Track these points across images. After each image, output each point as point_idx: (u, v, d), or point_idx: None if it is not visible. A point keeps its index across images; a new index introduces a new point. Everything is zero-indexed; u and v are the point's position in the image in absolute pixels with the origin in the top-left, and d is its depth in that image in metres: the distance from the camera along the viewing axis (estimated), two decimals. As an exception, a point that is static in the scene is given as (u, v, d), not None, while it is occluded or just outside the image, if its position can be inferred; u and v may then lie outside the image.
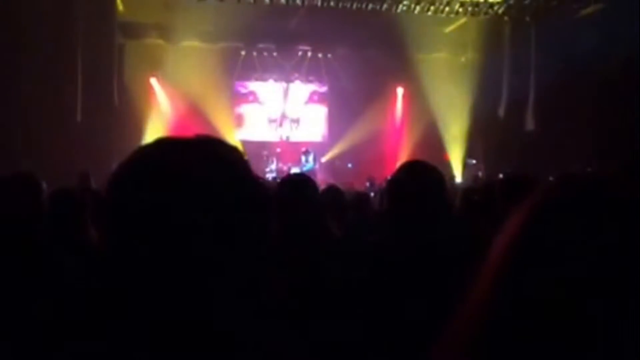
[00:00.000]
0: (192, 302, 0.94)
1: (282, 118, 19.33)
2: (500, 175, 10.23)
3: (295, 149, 18.02)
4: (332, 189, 4.61)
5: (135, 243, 0.94)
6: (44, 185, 3.31)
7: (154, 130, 15.99)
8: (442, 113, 17.59)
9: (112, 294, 0.98)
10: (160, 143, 1.04)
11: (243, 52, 18.07)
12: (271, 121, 19.27)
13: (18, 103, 13.12)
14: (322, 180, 13.82)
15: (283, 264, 2.50)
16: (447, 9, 14.56)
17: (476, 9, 14.73)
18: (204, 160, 0.99)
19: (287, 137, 19.16)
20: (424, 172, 2.70)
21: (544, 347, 0.81)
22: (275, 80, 19.14)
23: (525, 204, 0.91)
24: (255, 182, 1.04)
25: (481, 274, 0.91)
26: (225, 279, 0.96)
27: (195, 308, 0.94)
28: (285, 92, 19.34)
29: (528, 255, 0.86)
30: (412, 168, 2.77)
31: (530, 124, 15.33)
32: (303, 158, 17.28)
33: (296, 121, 19.43)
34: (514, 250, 0.88)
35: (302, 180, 3.20)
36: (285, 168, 17.07)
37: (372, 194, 10.20)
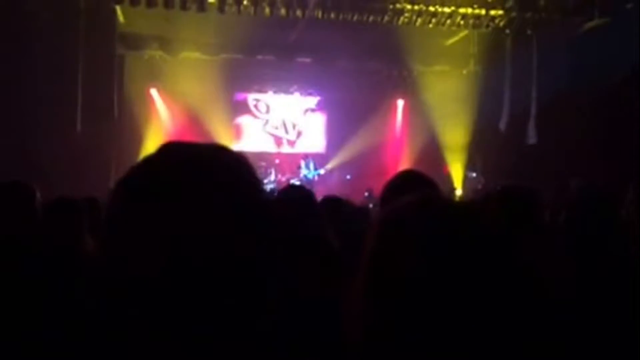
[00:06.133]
0: (193, 312, 0.90)
1: (280, 130, 19.36)
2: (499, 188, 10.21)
3: (294, 161, 18.05)
4: (330, 199, 4.57)
5: (138, 253, 0.90)
6: (38, 193, 3.29)
7: (153, 141, 16.04)
8: (443, 125, 17.61)
9: (109, 304, 0.94)
10: (166, 151, 1.00)
11: (243, 64, 18.11)
12: (270, 133, 19.30)
13: (18, 113, 13.14)
14: (320, 191, 13.81)
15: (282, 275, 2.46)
16: (448, 21, 14.57)
17: (478, 21, 14.74)
18: (210, 164, 0.96)
19: (286, 149, 19.19)
20: (417, 181, 2.66)
21: None
22: (275, 92, 19.18)
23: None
24: (262, 193, 1.01)
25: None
26: (226, 291, 0.91)
27: (196, 319, 0.90)
28: (285, 104, 19.36)
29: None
30: (405, 177, 2.74)
31: (531, 138, 15.31)
32: (302, 164, 17.30)
33: (295, 132, 19.46)
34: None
35: (301, 192, 3.18)
36: (283, 179, 17.10)
37: (370, 205, 10.21)
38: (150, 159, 0.99)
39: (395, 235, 0.99)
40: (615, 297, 2.58)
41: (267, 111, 19.28)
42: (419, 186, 2.62)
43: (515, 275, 0.97)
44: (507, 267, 0.97)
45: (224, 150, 1.02)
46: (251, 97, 19.15)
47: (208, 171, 0.95)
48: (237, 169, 0.99)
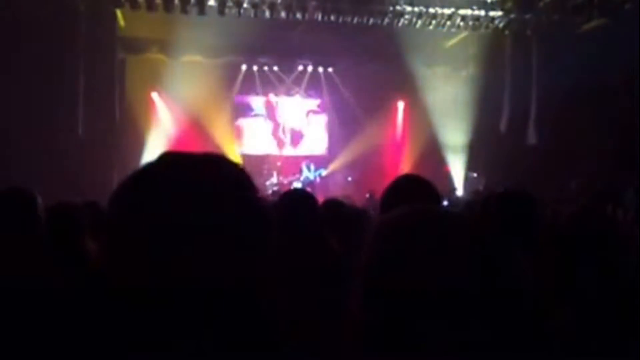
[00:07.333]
0: (195, 318, 0.92)
1: (282, 132, 19.35)
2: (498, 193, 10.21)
3: (295, 163, 18.02)
4: (332, 202, 4.55)
5: (136, 259, 0.92)
6: (39, 199, 3.28)
7: (154, 144, 16.04)
8: (443, 126, 17.61)
9: (112, 309, 0.96)
10: (165, 159, 1.02)
11: (244, 67, 18.11)
12: (271, 135, 19.28)
13: (20, 116, 13.16)
14: (322, 194, 13.81)
15: (282, 281, 2.47)
16: (448, 23, 14.58)
17: (477, 23, 14.75)
18: (209, 176, 0.98)
19: (287, 151, 19.17)
20: (416, 185, 2.67)
21: None
22: (276, 94, 19.14)
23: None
24: (258, 200, 1.03)
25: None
26: (226, 299, 0.93)
27: (198, 324, 0.92)
28: (286, 106, 19.35)
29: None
30: (404, 181, 2.75)
31: (531, 138, 15.33)
32: (304, 167, 17.28)
33: (296, 135, 19.44)
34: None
35: (302, 196, 3.18)
36: (285, 182, 17.06)
37: (371, 209, 10.19)
38: (148, 170, 1.00)
39: (393, 245, 1.00)
40: (615, 298, 2.58)
41: (268, 114, 19.27)
42: (417, 190, 2.63)
43: (510, 281, 0.98)
44: (501, 274, 0.98)
45: (221, 160, 1.04)
46: (252, 100, 19.13)
47: (206, 182, 0.97)
48: (235, 179, 1.01)
